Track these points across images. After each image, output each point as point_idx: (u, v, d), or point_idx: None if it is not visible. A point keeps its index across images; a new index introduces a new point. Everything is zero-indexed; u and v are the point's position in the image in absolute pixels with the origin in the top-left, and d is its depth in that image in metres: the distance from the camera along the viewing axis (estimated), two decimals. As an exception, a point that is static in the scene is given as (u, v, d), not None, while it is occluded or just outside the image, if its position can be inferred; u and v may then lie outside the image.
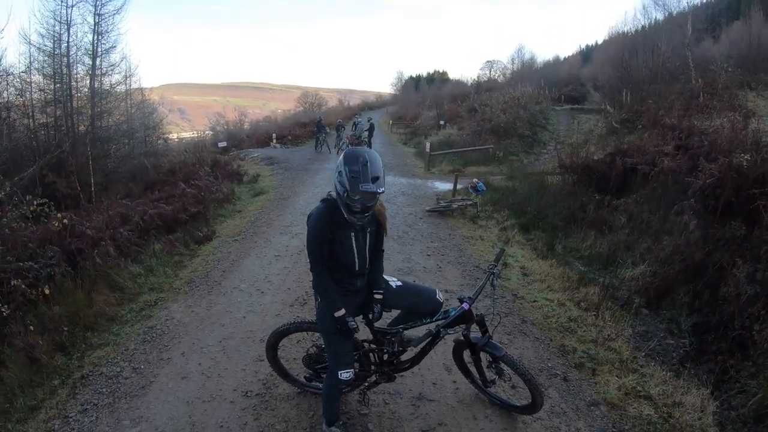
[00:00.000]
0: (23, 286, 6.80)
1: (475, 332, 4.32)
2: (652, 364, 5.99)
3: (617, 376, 5.55)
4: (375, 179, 3.51)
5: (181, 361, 5.76)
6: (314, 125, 32.58)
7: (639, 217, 10.20)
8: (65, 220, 8.86)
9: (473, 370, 4.80)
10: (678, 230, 8.62)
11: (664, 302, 7.61)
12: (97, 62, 23.15)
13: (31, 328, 6.22)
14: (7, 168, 15.63)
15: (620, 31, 45.56)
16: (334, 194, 3.77)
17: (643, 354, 6.24)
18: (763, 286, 6.34)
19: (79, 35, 22.57)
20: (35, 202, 10.12)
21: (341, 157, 3.69)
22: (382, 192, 3.56)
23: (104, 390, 5.25)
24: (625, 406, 5.04)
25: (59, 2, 21.54)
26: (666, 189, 9.87)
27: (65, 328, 6.36)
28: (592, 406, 5.05)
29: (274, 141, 34.15)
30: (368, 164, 3.52)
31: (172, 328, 6.60)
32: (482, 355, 4.49)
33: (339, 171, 3.61)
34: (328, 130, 30.45)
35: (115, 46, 23.89)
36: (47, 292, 7.02)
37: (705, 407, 5.05)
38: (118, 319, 6.97)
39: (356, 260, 3.93)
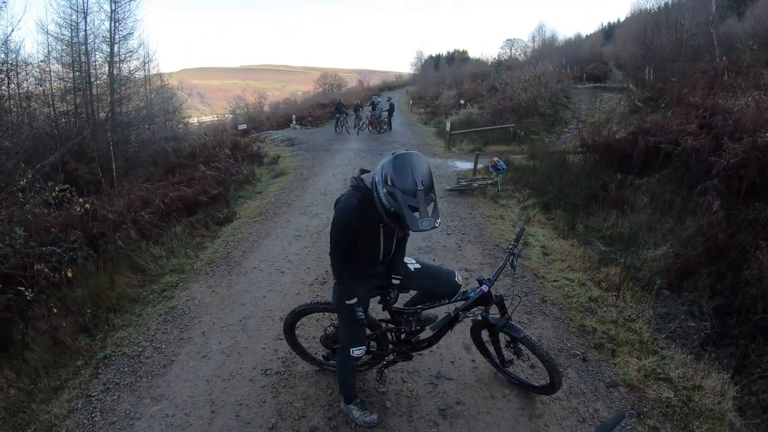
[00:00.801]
0: (46, 270, 6.88)
1: (493, 312, 4.30)
2: (673, 346, 5.94)
3: (637, 358, 5.51)
4: (430, 201, 3.30)
5: (201, 340, 5.82)
6: (334, 106, 32.57)
7: (661, 197, 10.10)
8: (87, 205, 8.95)
9: (491, 349, 4.79)
10: (701, 211, 8.52)
11: (685, 284, 7.53)
12: (115, 49, 23.51)
13: (55, 310, 6.31)
14: (29, 156, 15.84)
15: (643, 8, 45.13)
16: (367, 181, 3.60)
17: (664, 336, 6.19)
18: (788, 270, 6.27)
19: (96, 23, 22.98)
20: (57, 188, 10.31)
21: (390, 168, 3.32)
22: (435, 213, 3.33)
23: (126, 369, 5.33)
24: (645, 388, 5.01)
25: (75, -9, 21.67)
26: (689, 169, 9.76)
27: (88, 310, 6.45)
28: (611, 388, 5.03)
29: (294, 122, 34.17)
30: (423, 192, 3.24)
31: (193, 308, 6.67)
32: (501, 335, 4.48)
33: (389, 188, 3.30)
34: (348, 112, 30.37)
35: (132, 33, 24.29)
36: (70, 275, 7.11)
37: (725, 392, 5.01)
38: (140, 300, 7.06)
39: (381, 251, 3.87)
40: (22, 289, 6.28)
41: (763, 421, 4.79)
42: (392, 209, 3.34)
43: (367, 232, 3.71)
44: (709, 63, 23.80)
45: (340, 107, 29.74)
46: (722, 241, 7.52)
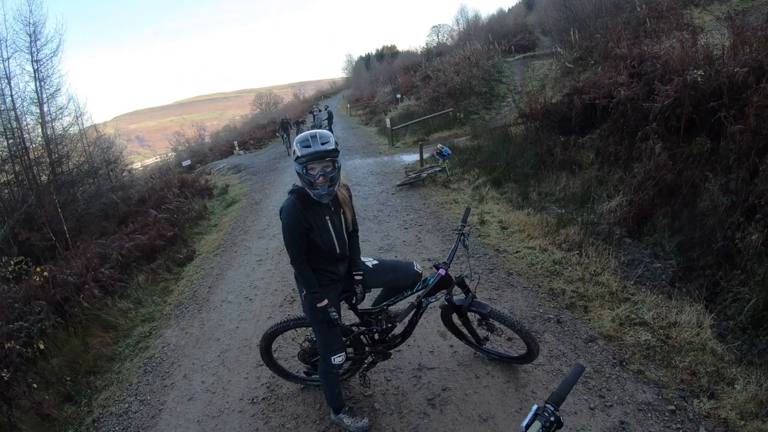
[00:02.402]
0: (18, 347, 6.76)
1: (458, 293, 4.38)
2: (643, 290, 6.11)
3: (609, 309, 5.66)
4: (324, 143, 3.63)
5: (184, 383, 5.78)
6: (275, 126, 32.48)
7: (606, 150, 10.28)
8: (45, 273, 8.81)
9: (465, 331, 4.86)
10: (646, 156, 8.69)
11: (644, 228, 7.73)
12: (45, 109, 22.76)
13: (35, 385, 6.20)
14: (-23, 234, 15.51)
15: (559, -29, 45.44)
16: (299, 183, 3.83)
17: (632, 282, 6.35)
18: (738, 194, 6.44)
19: (21, 86, 22.37)
20: (13, 262, 10.11)
21: (294, 141, 3.76)
22: (333, 150, 3.65)
23: (117, 429, 5.26)
24: (622, 336, 5.15)
25: (-6, 58, 21.19)
26: (627, 118, 9.93)
27: (68, 378, 6.35)
28: (589, 342, 5.15)
29: (237, 148, 33.91)
30: (317, 134, 3.65)
31: (170, 353, 6.61)
32: (470, 315, 4.56)
33: (293, 151, 3.73)
34: (292, 127, 30.17)
35: (59, 89, 23.45)
36: (42, 347, 6.99)
37: (701, 322, 5.18)
38: (117, 357, 6.96)
39: (336, 243, 3.96)
40: (-3, 371, 6.19)
41: (744, 341, 4.95)
42: (301, 168, 3.68)
43: (317, 227, 3.83)
44: (630, 13, 24.07)
45: (284, 124, 29.55)
46: (671, 180, 7.71)
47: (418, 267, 4.42)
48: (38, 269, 9.08)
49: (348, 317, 4.60)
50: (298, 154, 3.63)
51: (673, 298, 5.77)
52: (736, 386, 4.26)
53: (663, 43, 12.61)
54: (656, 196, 7.86)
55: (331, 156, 3.65)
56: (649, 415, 4.10)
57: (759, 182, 6.21)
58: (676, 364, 4.61)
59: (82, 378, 6.45)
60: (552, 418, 1.82)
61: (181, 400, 5.47)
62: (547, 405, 1.86)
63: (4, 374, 6.15)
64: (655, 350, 4.86)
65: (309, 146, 3.60)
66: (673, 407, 4.14)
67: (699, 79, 8.28)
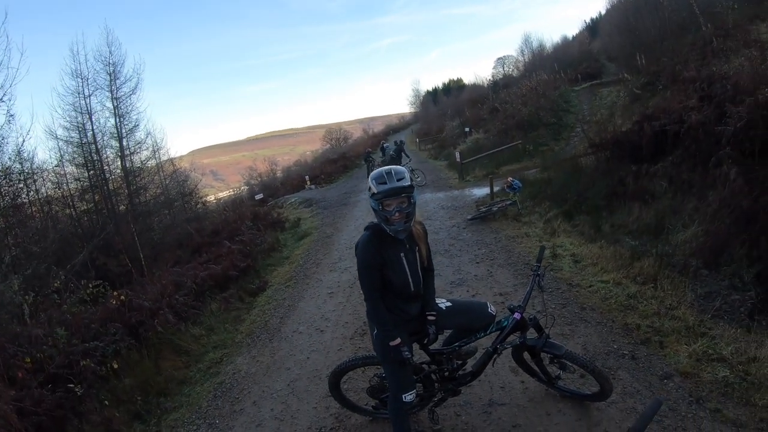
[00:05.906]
0: (92, 365, 6.97)
1: (531, 333, 4.31)
2: (721, 323, 5.89)
3: (686, 344, 5.46)
4: (400, 179, 3.71)
5: (253, 410, 5.85)
6: (345, 161, 32.67)
7: (679, 178, 10.05)
8: (122, 297, 9.07)
9: (537, 368, 4.77)
10: (720, 182, 8.46)
11: (721, 259, 7.48)
12: (124, 143, 23.79)
13: (106, 402, 6.40)
14: (58, 258, 16.06)
15: (620, -3, 44.85)
16: (375, 220, 3.87)
17: (709, 316, 6.14)
18: (820, 217, 6.22)
19: (101, 121, 23.13)
20: (91, 285, 10.49)
21: (369, 178, 3.88)
22: (408, 186, 3.74)
23: (185, 450, 5.36)
24: (699, 373, 4.95)
25: (77, 95, 22.37)
26: (699, 144, 9.71)
27: (138, 398, 6.54)
28: (665, 379, 4.97)
29: (309, 183, 34.05)
30: (392, 171, 3.75)
31: (240, 380, 6.71)
32: (543, 354, 4.48)
33: (369, 188, 3.81)
34: (373, 158, 30.21)
35: (137, 125, 24.58)
36: (116, 366, 7.19)
37: (783, 356, 4.96)
38: (188, 380, 7.13)
39: (410, 280, 3.97)
40: (72, 386, 6.38)
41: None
42: (377, 205, 3.78)
43: (392, 263, 3.86)
44: (696, 34, 23.65)
45: (369, 158, 29.67)
46: (748, 207, 7.49)
47: (492, 309, 4.39)
48: (115, 293, 9.38)
49: (418, 354, 4.57)
50: (374, 190, 3.72)
51: (752, 332, 5.55)
52: (820, 423, 4.07)
53: (732, 63, 12.34)
54: (733, 224, 7.62)
55: (406, 192, 3.72)
56: (728, 456, 3.94)
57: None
58: (756, 402, 4.39)
59: (152, 398, 6.65)
60: None
61: (249, 426, 5.54)
62: None
63: (77, 389, 6.35)
64: (733, 387, 4.64)
65: (385, 183, 3.69)
66: (752, 448, 3.97)
67: (772, 98, 8.06)
